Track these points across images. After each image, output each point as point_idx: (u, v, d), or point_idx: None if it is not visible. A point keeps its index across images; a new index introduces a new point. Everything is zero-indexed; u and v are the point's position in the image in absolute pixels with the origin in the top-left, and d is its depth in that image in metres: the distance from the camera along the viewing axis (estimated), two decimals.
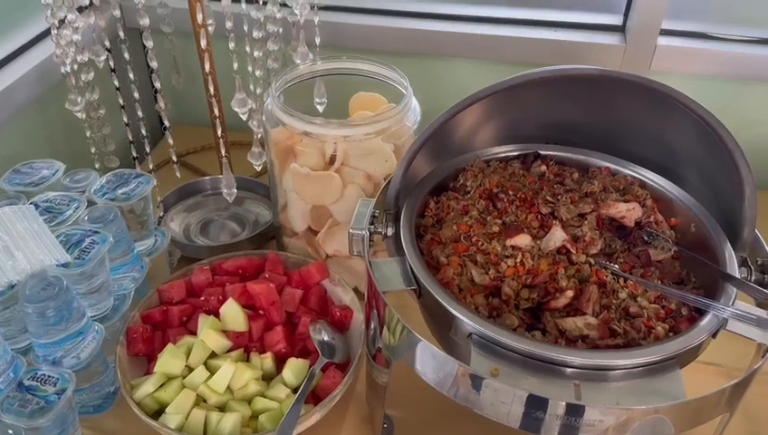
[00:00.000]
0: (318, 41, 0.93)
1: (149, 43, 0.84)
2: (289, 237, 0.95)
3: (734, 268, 0.62)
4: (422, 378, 0.59)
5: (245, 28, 0.84)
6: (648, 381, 0.54)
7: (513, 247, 0.66)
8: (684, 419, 0.55)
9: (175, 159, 0.91)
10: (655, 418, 0.53)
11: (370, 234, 0.68)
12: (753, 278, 0.64)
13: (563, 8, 1.17)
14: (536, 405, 0.53)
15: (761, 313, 0.57)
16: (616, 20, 1.13)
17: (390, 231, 0.69)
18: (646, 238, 0.68)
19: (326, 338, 0.80)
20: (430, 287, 0.60)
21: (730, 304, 0.58)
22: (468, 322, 0.57)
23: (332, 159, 0.84)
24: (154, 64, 0.86)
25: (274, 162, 0.88)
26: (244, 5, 0.83)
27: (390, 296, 0.62)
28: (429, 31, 1.14)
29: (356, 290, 0.87)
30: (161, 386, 0.74)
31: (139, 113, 0.90)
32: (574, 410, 0.52)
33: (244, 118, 0.83)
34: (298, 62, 0.90)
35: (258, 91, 0.89)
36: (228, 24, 0.79)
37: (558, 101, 0.75)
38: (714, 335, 0.59)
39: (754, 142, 1.16)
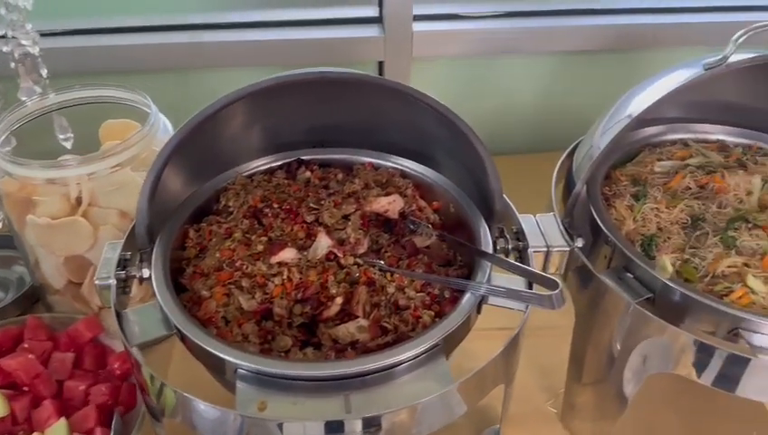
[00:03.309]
0: (45, 72, 0.83)
1: None
2: (52, 295, 0.84)
3: (487, 243, 0.64)
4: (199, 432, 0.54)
5: None
6: (419, 374, 0.54)
7: (279, 264, 0.63)
8: (468, 394, 0.55)
9: None
10: (440, 400, 0.53)
11: (124, 280, 0.61)
12: (511, 246, 0.66)
13: (323, 5, 1.16)
14: (317, 430, 0.50)
15: (510, 284, 0.59)
16: (373, 11, 1.15)
17: (147, 272, 0.62)
18: (411, 227, 0.69)
19: None
20: (184, 328, 0.55)
21: (485, 279, 0.60)
22: (227, 357, 0.53)
23: (80, 201, 0.75)
24: None
25: (11, 217, 0.77)
26: None
27: (159, 346, 0.56)
28: (187, 43, 1.07)
29: None
30: None
31: None
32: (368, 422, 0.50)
33: None
34: (24, 99, 0.80)
35: None
36: None
37: (316, 104, 0.73)
38: (478, 311, 0.61)
39: (506, 111, 1.24)
